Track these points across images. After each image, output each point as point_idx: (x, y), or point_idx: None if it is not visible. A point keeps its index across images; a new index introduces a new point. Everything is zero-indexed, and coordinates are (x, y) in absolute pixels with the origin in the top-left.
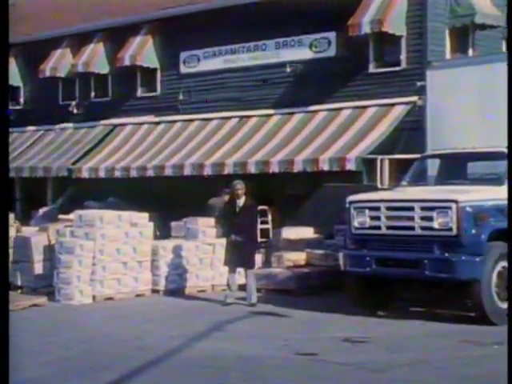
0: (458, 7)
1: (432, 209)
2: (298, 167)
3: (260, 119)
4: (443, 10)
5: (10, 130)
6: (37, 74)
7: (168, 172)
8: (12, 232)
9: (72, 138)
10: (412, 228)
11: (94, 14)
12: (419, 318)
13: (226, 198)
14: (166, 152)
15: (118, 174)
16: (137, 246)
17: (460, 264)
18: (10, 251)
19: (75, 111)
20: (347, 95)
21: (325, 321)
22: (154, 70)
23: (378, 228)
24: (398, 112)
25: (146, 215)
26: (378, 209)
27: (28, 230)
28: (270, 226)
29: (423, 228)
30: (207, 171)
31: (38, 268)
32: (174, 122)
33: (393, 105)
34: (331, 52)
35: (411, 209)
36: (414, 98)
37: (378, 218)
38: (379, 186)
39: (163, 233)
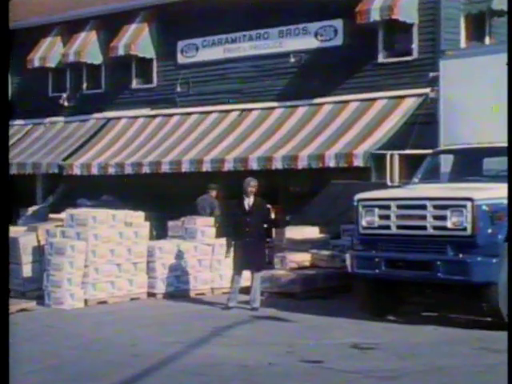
0: None
1: (445, 207)
2: (302, 163)
3: (262, 112)
4: None
5: None
6: (25, 64)
7: (165, 168)
8: None
9: (63, 133)
10: (424, 228)
11: (87, 0)
12: (431, 323)
13: (214, 194)
14: (163, 147)
15: (111, 170)
16: (132, 246)
17: (475, 266)
18: None
19: (66, 104)
20: (355, 87)
21: (331, 326)
22: (150, 59)
23: (388, 228)
24: (408, 104)
25: (141, 214)
26: (387, 207)
27: (16, 230)
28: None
29: (436, 228)
30: (206, 167)
31: (27, 270)
32: (171, 115)
33: (403, 97)
34: (338, 41)
35: (423, 207)
36: (426, 90)
37: (387, 217)
38: (389, 183)
39: (160, 233)
